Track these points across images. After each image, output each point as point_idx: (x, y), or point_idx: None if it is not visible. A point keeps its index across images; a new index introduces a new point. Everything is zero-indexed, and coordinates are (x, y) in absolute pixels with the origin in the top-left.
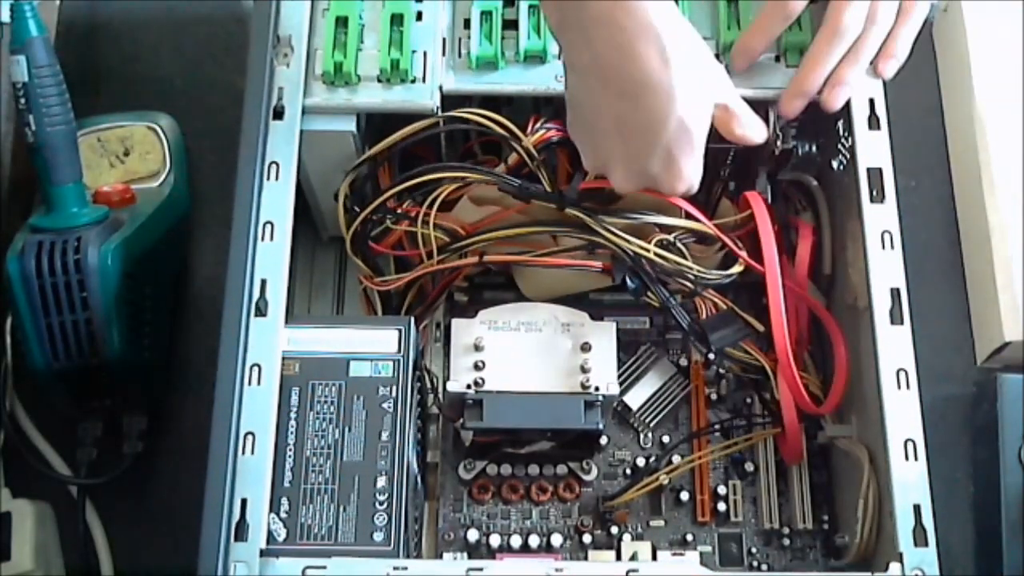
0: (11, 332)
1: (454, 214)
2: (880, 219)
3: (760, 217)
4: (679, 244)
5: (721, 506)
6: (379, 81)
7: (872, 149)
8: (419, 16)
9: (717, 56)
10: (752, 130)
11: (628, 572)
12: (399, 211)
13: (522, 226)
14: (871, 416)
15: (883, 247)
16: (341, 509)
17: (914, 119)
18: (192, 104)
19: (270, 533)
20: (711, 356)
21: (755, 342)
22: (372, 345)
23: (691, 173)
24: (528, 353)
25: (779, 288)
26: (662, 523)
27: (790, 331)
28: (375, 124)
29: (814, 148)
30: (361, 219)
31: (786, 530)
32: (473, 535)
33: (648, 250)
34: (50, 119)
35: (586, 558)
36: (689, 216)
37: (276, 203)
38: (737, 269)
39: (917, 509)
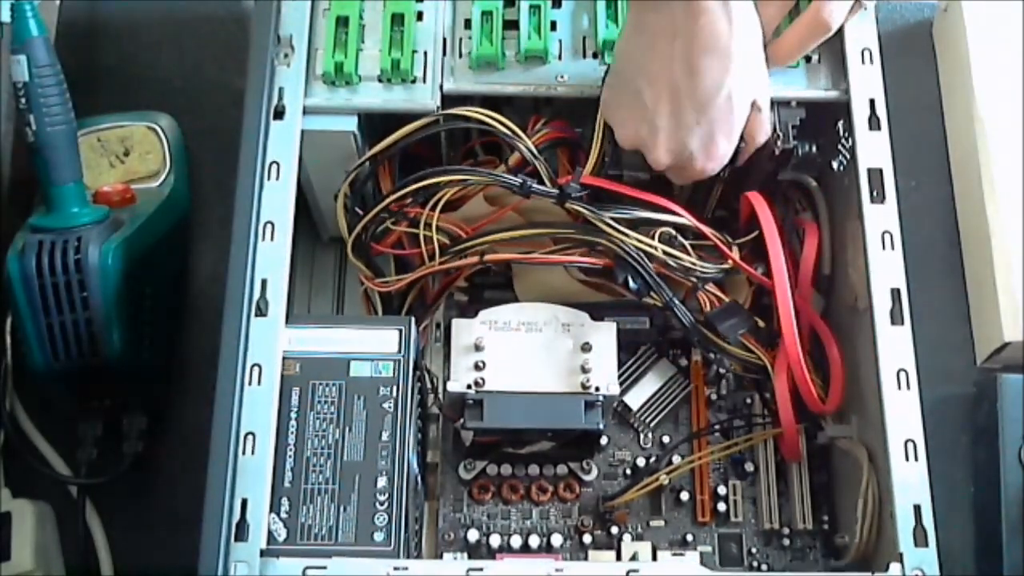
0: (11, 332)
1: (462, 212)
2: (880, 219)
3: (764, 217)
4: (680, 239)
5: (721, 506)
6: (380, 81)
7: (872, 149)
8: (420, 16)
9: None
10: (763, 137)
11: (628, 572)
12: (400, 211)
13: (523, 227)
14: (871, 416)
15: (883, 247)
16: (341, 509)
17: (914, 119)
18: (192, 104)
19: (270, 533)
20: (712, 355)
21: (757, 339)
22: (372, 345)
23: (725, 154)
24: (528, 353)
25: (787, 288)
26: (662, 523)
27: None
28: (375, 124)
29: (814, 148)
30: (363, 225)
31: (786, 530)
32: (473, 535)
33: (652, 246)
34: (50, 119)
35: (586, 558)
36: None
37: (276, 203)
38: (727, 265)
39: (917, 509)
